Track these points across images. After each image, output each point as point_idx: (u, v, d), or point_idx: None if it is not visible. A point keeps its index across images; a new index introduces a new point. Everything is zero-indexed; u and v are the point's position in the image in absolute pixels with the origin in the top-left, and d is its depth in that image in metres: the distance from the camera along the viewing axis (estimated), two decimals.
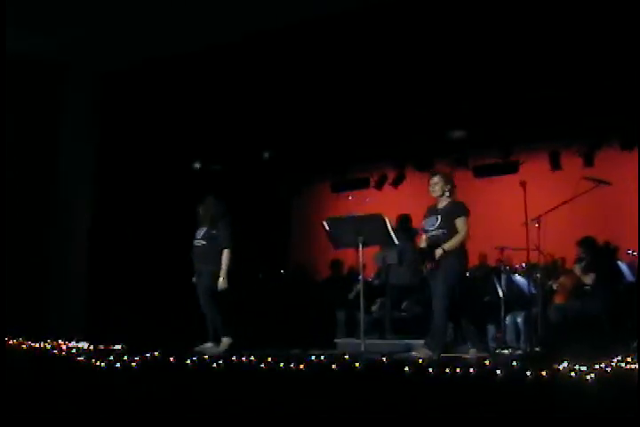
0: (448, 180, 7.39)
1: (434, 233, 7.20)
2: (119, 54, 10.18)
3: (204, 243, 8.32)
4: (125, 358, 6.88)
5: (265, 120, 11.20)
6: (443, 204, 7.32)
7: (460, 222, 7.14)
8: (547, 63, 9.12)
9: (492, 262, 11.27)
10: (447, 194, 7.32)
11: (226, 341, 8.14)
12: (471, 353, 7.12)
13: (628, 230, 11.20)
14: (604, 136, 11.59)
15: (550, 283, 9.55)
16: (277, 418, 4.64)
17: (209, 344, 8.20)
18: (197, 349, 7.93)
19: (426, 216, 7.38)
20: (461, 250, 7.24)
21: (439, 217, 7.19)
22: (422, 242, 7.46)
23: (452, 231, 7.13)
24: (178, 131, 11.21)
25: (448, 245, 7.06)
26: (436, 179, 7.34)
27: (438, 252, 7.05)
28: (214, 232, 8.32)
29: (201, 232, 8.40)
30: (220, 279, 8.15)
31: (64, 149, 10.80)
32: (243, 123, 11.28)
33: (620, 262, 9.24)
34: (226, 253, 8.22)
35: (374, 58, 9.27)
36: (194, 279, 8.40)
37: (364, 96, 10.21)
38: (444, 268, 7.08)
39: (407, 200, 12.83)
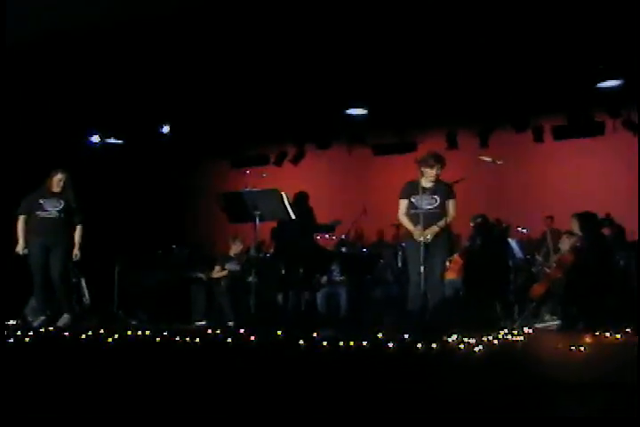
0: (444, 164, 7.39)
1: (431, 211, 7.24)
2: (13, 28, 9.87)
3: (61, 216, 8.05)
4: (19, 333, 6.80)
5: (165, 95, 11.06)
6: (431, 182, 7.32)
7: (451, 205, 7.32)
8: (446, 45, 9.27)
9: (388, 239, 11.51)
10: None
11: (68, 317, 7.96)
12: None
13: (519, 209, 11.58)
14: (498, 118, 11.93)
15: None
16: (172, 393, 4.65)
17: (66, 316, 7.96)
18: (35, 324, 7.79)
19: (414, 193, 7.30)
20: (449, 230, 7.50)
21: (437, 198, 7.28)
22: (404, 217, 7.38)
23: (444, 211, 7.29)
24: (77, 105, 10.99)
25: (442, 224, 7.23)
26: (438, 168, 7.29)
27: (434, 229, 7.17)
28: (73, 206, 8.09)
29: (52, 203, 8.05)
30: (76, 252, 8.06)
31: None
32: (143, 97, 11.11)
33: (510, 240, 9.52)
34: (80, 228, 8.14)
35: (277, 34, 9.23)
36: (26, 250, 8.02)
37: (266, 73, 10.19)
38: (439, 245, 7.23)
39: (306, 177, 12.95)
